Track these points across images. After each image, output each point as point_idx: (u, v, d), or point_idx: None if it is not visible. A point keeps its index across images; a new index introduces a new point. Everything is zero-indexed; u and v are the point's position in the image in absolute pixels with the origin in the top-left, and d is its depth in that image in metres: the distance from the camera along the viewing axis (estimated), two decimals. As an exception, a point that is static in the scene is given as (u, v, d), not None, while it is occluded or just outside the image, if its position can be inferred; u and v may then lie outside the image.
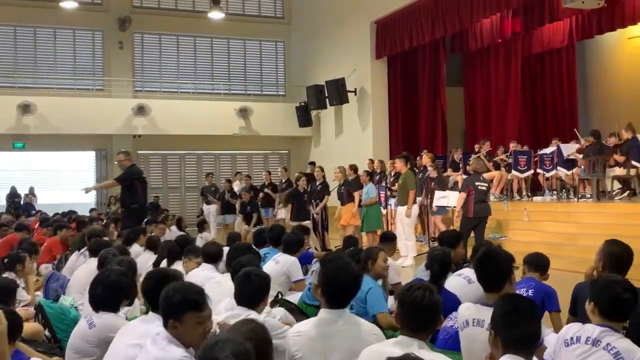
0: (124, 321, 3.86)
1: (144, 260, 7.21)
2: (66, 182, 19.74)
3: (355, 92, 17.55)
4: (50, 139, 18.32)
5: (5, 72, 19.11)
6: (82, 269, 6.37)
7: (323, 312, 3.22)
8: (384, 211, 12.67)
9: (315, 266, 6.26)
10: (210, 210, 16.22)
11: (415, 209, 11.10)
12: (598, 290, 3.12)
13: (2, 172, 18.94)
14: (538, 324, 2.68)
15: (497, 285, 3.50)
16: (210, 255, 5.91)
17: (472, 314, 3.44)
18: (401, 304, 2.86)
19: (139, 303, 5.09)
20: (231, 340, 2.25)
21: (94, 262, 6.31)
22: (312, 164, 16.43)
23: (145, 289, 3.81)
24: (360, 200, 11.68)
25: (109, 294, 3.93)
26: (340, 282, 3.19)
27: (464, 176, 12.56)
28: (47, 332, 4.97)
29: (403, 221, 10.91)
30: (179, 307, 2.91)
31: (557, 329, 3.91)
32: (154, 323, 3.30)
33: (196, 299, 2.97)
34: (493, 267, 3.55)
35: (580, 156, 12.26)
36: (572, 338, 3.09)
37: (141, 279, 4.66)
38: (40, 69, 19.61)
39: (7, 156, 19.25)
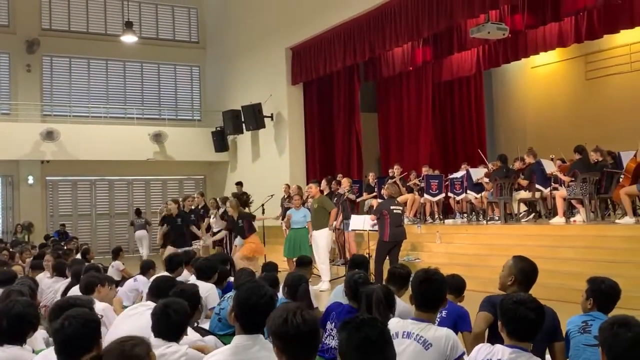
0: (31, 354, 3.69)
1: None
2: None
3: (271, 117, 17.61)
4: (-49, 164, 17.41)
5: None
6: None
7: (238, 339, 3.13)
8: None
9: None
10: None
11: (329, 233, 11.17)
12: (506, 312, 3.12)
13: None
14: (392, 350, 2.44)
15: (435, 306, 3.62)
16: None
17: (402, 326, 3.50)
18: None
19: (41, 333, 4.85)
20: None
21: None
22: (239, 184, 16.21)
23: (50, 318, 3.66)
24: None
25: (14, 326, 3.74)
26: (253, 305, 3.10)
27: (379, 200, 12.80)
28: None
29: (318, 244, 10.95)
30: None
31: (469, 348, 4.02)
32: None
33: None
34: (433, 290, 3.61)
35: (487, 180, 12.76)
36: None
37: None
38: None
39: None
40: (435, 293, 3.61)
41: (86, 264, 9.55)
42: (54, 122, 18.58)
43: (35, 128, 17.97)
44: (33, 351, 3.91)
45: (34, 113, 19.14)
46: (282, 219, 14.28)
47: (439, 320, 4.26)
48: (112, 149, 18.52)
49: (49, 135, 17.81)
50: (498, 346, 3.13)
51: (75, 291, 6.09)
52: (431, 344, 3.38)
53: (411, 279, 3.75)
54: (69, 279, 7.32)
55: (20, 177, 19.21)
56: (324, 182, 12.73)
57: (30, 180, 19.23)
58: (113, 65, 20.95)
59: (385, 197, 10.64)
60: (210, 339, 4.67)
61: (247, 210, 13.32)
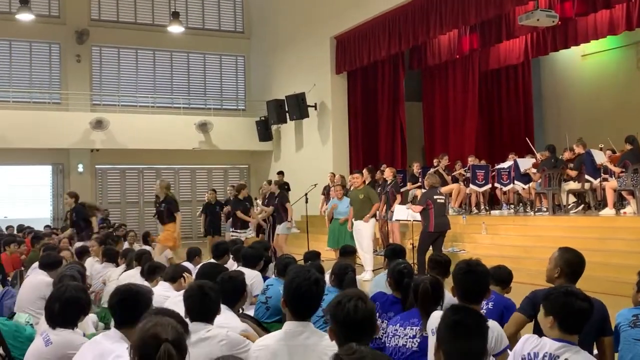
0: (82, 338, 3.77)
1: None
2: (22, 197, 19.32)
3: (315, 106, 17.62)
4: (6, 153, 17.91)
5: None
6: (27, 284, 6.25)
7: (288, 325, 3.19)
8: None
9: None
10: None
11: (372, 222, 11.14)
12: (557, 304, 3.03)
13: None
14: (484, 340, 2.47)
15: (477, 297, 3.58)
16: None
17: None
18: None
19: (91, 317, 4.98)
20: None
21: (40, 275, 6.23)
22: (281, 173, 16.31)
23: (110, 303, 3.69)
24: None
25: (66, 310, 3.83)
26: (298, 289, 3.14)
27: (423, 190, 12.71)
28: (1, 351, 4.82)
29: (362, 234, 10.94)
30: None
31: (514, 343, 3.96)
32: (118, 342, 3.23)
33: None
34: (474, 281, 3.57)
35: (535, 171, 12.53)
36: (529, 354, 3.05)
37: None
38: (-6, 81, 19.21)
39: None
40: (477, 284, 3.57)
41: (145, 247, 9.81)
42: (103, 112, 18.97)
43: (85, 117, 18.37)
44: (84, 335, 4.00)
45: (84, 102, 19.56)
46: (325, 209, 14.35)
47: (484, 312, 4.22)
48: (159, 138, 18.82)
49: (99, 125, 18.19)
50: (545, 339, 3.06)
51: (130, 277, 6.24)
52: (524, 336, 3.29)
53: (453, 269, 3.70)
54: (122, 266, 7.48)
55: (70, 166, 19.69)
56: (365, 172, 12.70)
57: (80, 168, 19.70)
58: (160, 56, 21.25)
59: (426, 188, 10.58)
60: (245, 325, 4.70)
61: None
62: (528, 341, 3.13)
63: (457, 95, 18.07)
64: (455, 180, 14.37)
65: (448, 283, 4.10)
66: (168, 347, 2.31)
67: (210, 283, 3.81)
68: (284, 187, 14.57)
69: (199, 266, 5.99)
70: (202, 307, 3.60)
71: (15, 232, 14.71)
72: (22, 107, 18.52)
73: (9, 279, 8.48)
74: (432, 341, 3.43)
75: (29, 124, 17.41)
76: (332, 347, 3.18)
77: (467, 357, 2.36)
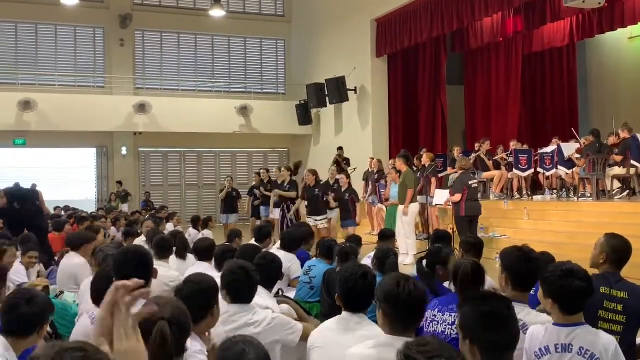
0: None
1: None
2: (67, 179, 19.78)
3: (355, 90, 17.56)
4: (51, 135, 18.35)
5: (7, 68, 19.13)
6: (66, 263, 6.47)
7: (344, 314, 3.25)
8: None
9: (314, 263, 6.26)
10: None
11: (414, 207, 11.11)
12: (555, 287, 2.94)
13: (3, 169, 18.94)
14: (516, 327, 2.40)
15: (531, 285, 3.51)
16: (200, 251, 5.92)
17: None
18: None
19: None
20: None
21: (74, 256, 6.44)
22: (340, 149, 16.38)
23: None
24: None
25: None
26: (352, 283, 3.19)
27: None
28: (49, 329, 4.98)
29: (402, 219, 10.92)
30: None
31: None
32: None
33: None
34: (531, 269, 3.45)
35: (579, 156, 12.29)
36: (540, 350, 2.97)
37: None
38: (41, 65, 19.62)
39: (8, 153, 19.26)
40: (533, 272, 3.43)
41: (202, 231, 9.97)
42: (146, 95, 19.25)
43: (128, 101, 18.68)
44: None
45: (127, 86, 19.87)
46: (368, 194, 14.35)
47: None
48: (200, 122, 19.02)
49: (141, 108, 18.47)
50: (550, 329, 2.97)
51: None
52: (529, 329, 3.23)
53: (502, 256, 3.63)
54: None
55: (114, 148, 20.07)
56: (399, 161, 12.56)
57: (124, 151, 20.06)
58: (202, 40, 21.42)
59: (458, 172, 10.51)
60: (285, 307, 4.74)
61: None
62: (534, 336, 3.05)
63: (499, 78, 17.78)
64: (497, 165, 14.19)
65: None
66: (162, 325, 2.27)
67: (251, 264, 3.79)
68: (345, 162, 14.72)
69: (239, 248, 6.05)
70: (245, 289, 3.58)
71: (62, 213, 15.10)
72: (67, 90, 18.91)
73: (56, 258, 8.72)
74: None
75: (74, 107, 17.78)
76: (368, 336, 3.21)
77: (499, 347, 2.30)
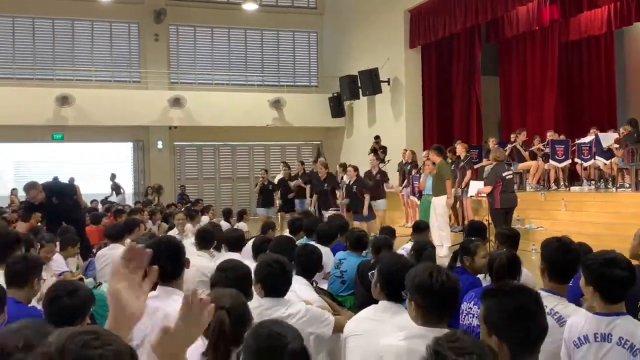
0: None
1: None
2: (104, 173, 20.09)
3: (388, 82, 17.47)
4: (89, 130, 18.65)
5: (44, 64, 19.49)
6: (105, 254, 6.74)
7: (382, 302, 3.25)
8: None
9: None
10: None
11: (447, 199, 11.02)
12: (595, 274, 2.89)
13: (42, 164, 19.33)
14: (545, 320, 2.30)
15: (569, 277, 3.46)
16: (231, 241, 5.98)
17: None
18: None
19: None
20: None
21: (114, 247, 6.68)
22: (377, 137, 16.36)
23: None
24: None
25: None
26: (395, 274, 3.16)
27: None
28: (88, 320, 5.08)
29: (437, 211, 10.84)
30: None
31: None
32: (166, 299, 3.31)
33: None
34: (570, 261, 3.40)
35: (618, 146, 12.05)
36: (579, 339, 2.93)
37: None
38: (78, 61, 19.93)
39: (47, 147, 19.63)
40: (572, 264, 3.38)
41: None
42: (180, 90, 19.44)
43: (163, 95, 18.88)
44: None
45: (162, 81, 20.06)
46: (404, 185, 14.27)
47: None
48: (234, 115, 19.13)
49: (176, 102, 18.66)
50: (590, 317, 2.92)
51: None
52: (566, 321, 3.17)
53: (541, 247, 3.57)
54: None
55: (150, 142, 20.32)
56: (432, 153, 12.47)
57: (159, 145, 20.30)
58: (235, 33, 21.51)
59: (492, 163, 10.38)
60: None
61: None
62: (573, 326, 3.01)
63: (535, 68, 17.52)
64: (533, 155, 14.00)
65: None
66: (221, 314, 2.36)
67: (285, 258, 3.78)
68: (382, 150, 14.70)
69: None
70: (280, 282, 3.58)
71: (99, 206, 15.36)
72: (104, 85, 19.19)
73: (94, 250, 8.87)
74: None
75: (111, 102, 18.03)
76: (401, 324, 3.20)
77: (527, 342, 2.21)
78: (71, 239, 7.13)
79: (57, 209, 8.66)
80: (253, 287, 3.46)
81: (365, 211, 11.83)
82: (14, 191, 17.39)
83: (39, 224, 8.92)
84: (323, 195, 12.75)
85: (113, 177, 19.26)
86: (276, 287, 3.54)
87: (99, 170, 20.10)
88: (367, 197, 11.94)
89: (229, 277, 3.20)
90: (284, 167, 15.64)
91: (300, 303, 3.64)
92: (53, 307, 3.10)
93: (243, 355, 2.18)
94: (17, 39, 19.40)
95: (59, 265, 6.43)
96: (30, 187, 8.71)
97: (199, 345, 2.73)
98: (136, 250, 1.61)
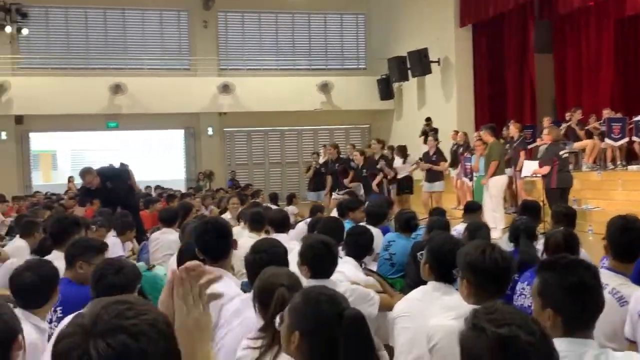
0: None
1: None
2: (157, 160, 20.46)
3: (438, 62, 17.21)
4: (141, 118, 18.98)
5: (97, 54, 19.88)
6: (158, 238, 6.89)
7: (431, 283, 3.21)
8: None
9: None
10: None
11: (501, 180, 10.82)
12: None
13: (97, 152, 19.79)
14: (602, 294, 2.25)
15: (634, 257, 3.34)
16: (277, 222, 6.01)
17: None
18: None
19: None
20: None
21: (167, 232, 6.80)
22: (428, 119, 16.15)
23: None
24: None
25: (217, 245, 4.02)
26: (446, 254, 3.12)
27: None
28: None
29: (490, 192, 10.67)
30: None
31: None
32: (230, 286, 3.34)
33: None
34: (634, 239, 3.30)
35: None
36: None
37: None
38: (130, 50, 20.27)
39: (102, 135, 20.09)
40: (634, 243, 3.28)
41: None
42: (229, 76, 19.58)
43: (212, 82, 19.05)
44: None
45: (211, 67, 20.23)
46: (454, 167, 14.07)
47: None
48: (282, 100, 19.16)
49: (225, 89, 18.82)
50: None
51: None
52: (627, 302, 3.07)
53: (607, 226, 3.46)
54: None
55: (200, 129, 20.56)
56: (484, 133, 12.25)
57: (210, 131, 20.52)
58: (282, 18, 21.51)
59: (548, 142, 10.13)
60: (370, 279, 4.72)
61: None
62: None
63: (590, 44, 16.94)
64: (589, 134, 13.61)
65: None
66: (282, 291, 2.43)
67: (331, 239, 3.75)
68: (433, 131, 14.53)
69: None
70: (326, 263, 3.55)
71: (152, 192, 15.65)
72: (155, 74, 19.45)
73: (148, 235, 9.04)
74: None
75: (162, 90, 18.28)
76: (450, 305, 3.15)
77: (583, 318, 2.16)
78: (128, 224, 7.31)
79: (112, 193, 8.84)
80: (298, 269, 3.45)
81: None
82: (70, 179, 17.86)
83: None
84: (334, 176, 12.76)
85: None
86: (322, 268, 3.50)
87: (153, 157, 20.50)
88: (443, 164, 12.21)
89: (263, 259, 3.21)
90: (329, 149, 15.51)
91: (346, 283, 3.62)
92: (99, 285, 3.16)
93: (292, 318, 2.12)
94: (70, 30, 19.84)
95: (115, 249, 6.58)
96: (85, 172, 8.94)
97: (252, 322, 2.77)
98: (188, 268, 1.54)
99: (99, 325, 1.16)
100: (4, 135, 18.69)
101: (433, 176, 12.97)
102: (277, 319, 2.20)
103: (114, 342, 1.14)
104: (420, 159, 13.46)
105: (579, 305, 2.15)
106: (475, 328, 1.64)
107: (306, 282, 3.46)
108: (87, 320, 1.18)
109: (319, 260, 3.51)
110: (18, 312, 2.75)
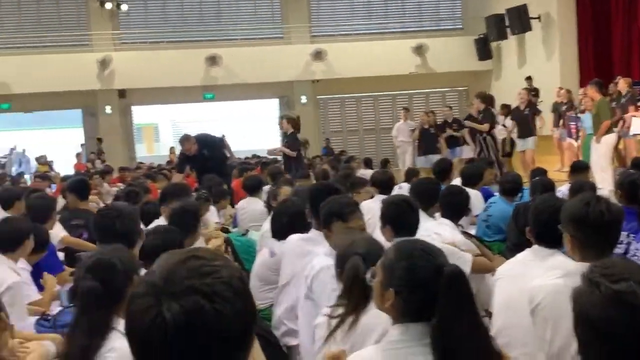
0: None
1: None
2: (254, 130, 20.77)
3: (539, 18, 16.39)
4: (237, 88, 19.26)
5: (192, 26, 20.24)
6: (244, 207, 6.98)
7: (535, 247, 3.01)
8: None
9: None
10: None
11: (610, 138, 10.20)
12: None
13: (195, 123, 20.29)
14: None
15: None
16: (381, 183, 5.94)
17: None
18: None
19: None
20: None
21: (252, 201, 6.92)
22: (529, 78, 15.55)
23: None
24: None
25: (291, 223, 4.04)
26: (547, 216, 2.90)
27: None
28: (236, 264, 5.25)
29: (597, 151, 10.09)
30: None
31: None
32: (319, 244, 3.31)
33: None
34: None
35: None
36: None
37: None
38: (224, 21, 20.51)
39: (200, 107, 20.58)
40: None
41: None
42: (321, 42, 19.47)
43: (305, 49, 18.99)
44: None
45: (304, 35, 20.17)
46: (559, 126, 13.41)
47: None
48: (375, 65, 18.85)
49: (318, 56, 18.74)
50: None
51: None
52: None
53: None
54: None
55: (294, 97, 20.63)
56: (591, 89, 11.51)
57: (304, 99, 20.55)
58: (374, -20, 21.11)
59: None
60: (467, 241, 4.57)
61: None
62: None
63: None
64: None
65: None
66: (355, 260, 2.38)
67: (410, 197, 3.78)
68: (534, 92, 13.95)
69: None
70: (408, 221, 3.49)
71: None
72: (248, 44, 19.60)
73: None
74: None
75: (256, 59, 18.40)
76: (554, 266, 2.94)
77: None
78: (224, 192, 7.44)
79: (208, 161, 9.03)
80: (380, 230, 3.40)
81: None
82: (172, 149, 18.44)
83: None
84: None
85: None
86: (405, 226, 3.42)
87: (249, 127, 20.83)
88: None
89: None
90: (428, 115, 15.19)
91: (434, 241, 3.49)
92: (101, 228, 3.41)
93: (385, 275, 2.01)
94: (167, 3, 20.27)
95: (212, 216, 6.69)
96: (184, 139, 9.28)
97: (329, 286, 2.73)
98: None
99: (171, 285, 1.12)
100: (108, 109, 19.49)
101: (524, 131, 12.25)
102: (368, 275, 2.11)
103: (187, 303, 1.10)
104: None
105: None
106: (590, 283, 1.52)
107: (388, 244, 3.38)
108: (159, 279, 1.14)
109: (401, 218, 3.47)
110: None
